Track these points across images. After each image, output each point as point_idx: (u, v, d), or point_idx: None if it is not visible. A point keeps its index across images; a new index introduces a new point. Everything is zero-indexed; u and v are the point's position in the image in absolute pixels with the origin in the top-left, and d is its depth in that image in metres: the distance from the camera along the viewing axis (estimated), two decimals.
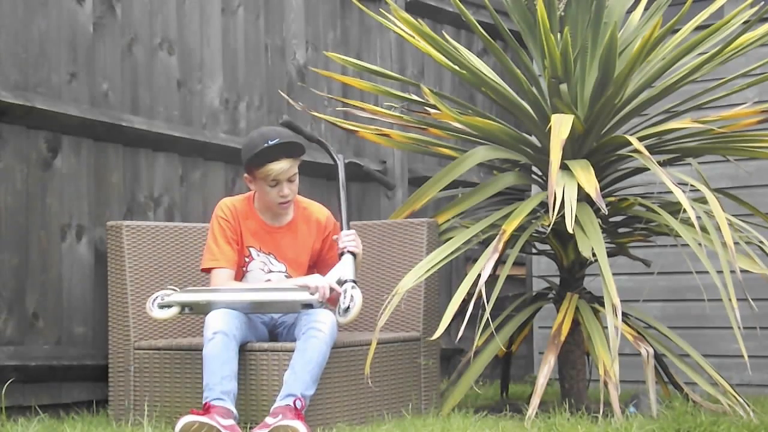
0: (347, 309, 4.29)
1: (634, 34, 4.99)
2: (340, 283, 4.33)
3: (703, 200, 4.54)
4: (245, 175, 4.43)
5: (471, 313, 4.26)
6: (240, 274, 4.46)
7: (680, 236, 4.46)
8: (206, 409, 4.01)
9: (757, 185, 5.92)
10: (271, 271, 4.45)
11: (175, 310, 4.25)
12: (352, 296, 4.30)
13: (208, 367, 4.10)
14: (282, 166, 4.33)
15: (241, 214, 4.46)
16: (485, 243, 4.67)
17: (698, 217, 4.35)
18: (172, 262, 4.66)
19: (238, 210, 4.46)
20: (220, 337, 4.12)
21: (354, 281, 4.34)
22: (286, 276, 4.45)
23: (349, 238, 4.45)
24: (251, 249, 4.45)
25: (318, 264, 4.52)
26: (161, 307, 4.25)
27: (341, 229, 4.52)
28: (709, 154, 5.14)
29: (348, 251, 4.41)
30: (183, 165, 5.17)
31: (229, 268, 4.39)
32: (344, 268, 4.38)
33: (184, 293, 4.28)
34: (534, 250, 5.34)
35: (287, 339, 4.34)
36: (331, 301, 4.31)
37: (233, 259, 4.40)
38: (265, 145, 4.32)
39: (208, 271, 4.42)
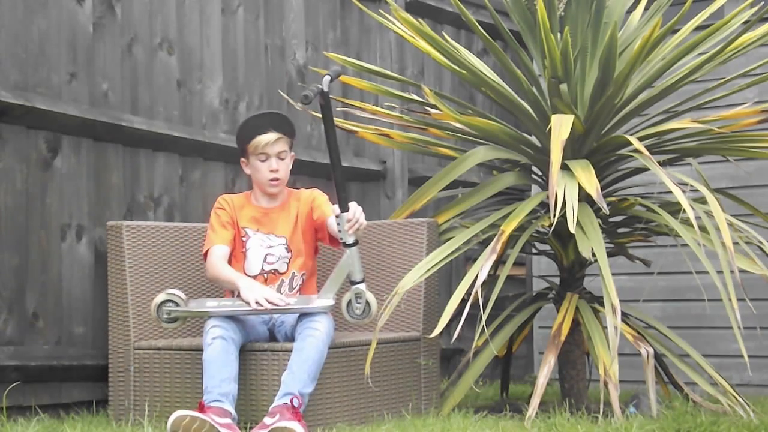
0: (361, 315, 4.35)
1: (634, 34, 4.99)
2: (354, 283, 4.35)
3: (702, 200, 4.54)
4: (241, 159, 4.57)
5: (471, 313, 4.26)
6: (241, 257, 4.50)
7: (680, 236, 4.46)
8: (201, 409, 4.02)
9: (756, 185, 5.92)
10: (270, 246, 4.49)
11: (179, 322, 4.34)
12: (367, 302, 4.34)
13: (207, 371, 4.12)
14: (269, 137, 4.48)
15: (237, 206, 4.57)
16: (485, 243, 4.67)
17: (698, 217, 4.35)
18: (172, 262, 4.66)
19: (234, 201, 4.58)
20: (219, 342, 4.16)
21: (363, 279, 4.37)
22: (286, 248, 4.48)
23: (355, 218, 4.35)
24: (247, 229, 4.52)
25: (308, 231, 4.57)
26: (168, 321, 4.32)
27: (340, 203, 4.38)
28: (709, 154, 5.13)
29: (350, 243, 4.38)
30: (183, 165, 5.17)
31: (223, 244, 4.48)
32: (352, 266, 4.36)
33: (190, 307, 4.32)
34: (534, 250, 5.33)
35: (287, 339, 4.35)
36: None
37: (227, 238, 4.50)
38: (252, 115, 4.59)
39: (206, 257, 4.51)
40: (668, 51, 4.93)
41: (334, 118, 5.18)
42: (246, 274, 4.46)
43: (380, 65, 5.91)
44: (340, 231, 4.35)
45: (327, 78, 4.45)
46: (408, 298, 4.62)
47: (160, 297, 4.31)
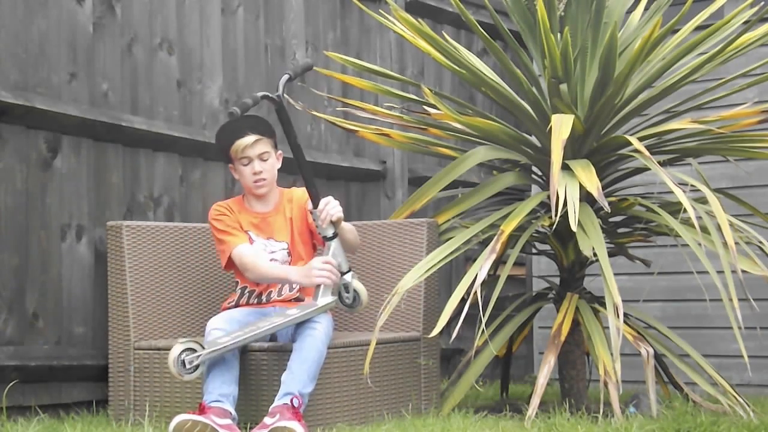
0: (352, 304, 4.40)
1: (634, 34, 4.99)
2: (341, 274, 4.36)
3: (703, 200, 4.54)
4: (229, 165, 4.56)
5: (471, 313, 4.26)
6: None
7: (680, 236, 4.46)
8: (202, 410, 4.03)
9: (757, 185, 5.92)
10: (273, 252, 4.47)
11: (201, 368, 4.12)
12: (356, 290, 4.39)
13: (208, 372, 4.13)
14: (247, 140, 4.45)
15: (236, 211, 4.54)
16: (485, 243, 4.67)
17: (698, 217, 4.35)
18: (171, 262, 4.66)
19: (231, 207, 4.55)
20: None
21: (349, 269, 4.38)
22: (287, 253, 4.48)
23: (326, 211, 4.36)
24: (250, 233, 4.50)
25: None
26: (191, 371, 4.10)
27: (312, 194, 4.41)
28: (709, 154, 5.13)
29: (329, 236, 4.37)
30: (183, 165, 5.17)
31: (245, 242, 4.45)
32: (337, 258, 4.37)
33: (208, 349, 4.11)
34: (534, 250, 5.34)
35: (287, 339, 4.35)
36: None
37: (245, 237, 4.47)
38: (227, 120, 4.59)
39: (230, 266, 4.46)
40: (668, 51, 4.93)
41: (335, 118, 5.22)
42: (249, 278, 4.46)
43: (380, 65, 5.91)
44: (318, 227, 4.38)
45: (285, 77, 4.47)
46: (408, 298, 4.62)
47: (177, 349, 4.06)
